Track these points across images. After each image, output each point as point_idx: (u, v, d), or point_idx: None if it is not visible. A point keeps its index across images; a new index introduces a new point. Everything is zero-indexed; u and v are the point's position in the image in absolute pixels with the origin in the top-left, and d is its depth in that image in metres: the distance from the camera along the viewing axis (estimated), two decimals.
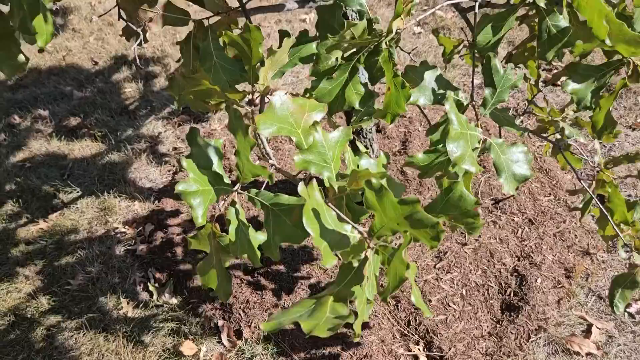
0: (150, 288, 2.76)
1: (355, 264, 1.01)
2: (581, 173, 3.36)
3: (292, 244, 2.63)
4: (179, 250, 2.95)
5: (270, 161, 1.33)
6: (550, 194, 3.18)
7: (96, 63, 4.67)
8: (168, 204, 3.24)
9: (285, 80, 4.34)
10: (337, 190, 1.16)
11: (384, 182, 0.98)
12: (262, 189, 1.29)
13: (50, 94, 4.31)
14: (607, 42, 1.22)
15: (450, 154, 1.16)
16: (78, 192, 3.39)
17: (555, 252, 2.84)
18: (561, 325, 2.56)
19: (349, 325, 2.55)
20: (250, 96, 1.30)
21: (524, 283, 2.68)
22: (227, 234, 1.23)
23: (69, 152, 3.73)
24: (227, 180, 1.16)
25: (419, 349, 2.49)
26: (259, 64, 1.31)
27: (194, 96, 1.30)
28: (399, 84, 1.23)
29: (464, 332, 2.52)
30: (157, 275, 2.85)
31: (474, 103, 1.32)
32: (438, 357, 2.43)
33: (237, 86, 1.58)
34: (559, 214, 3.04)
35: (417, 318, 2.56)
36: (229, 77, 1.45)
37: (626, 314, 2.64)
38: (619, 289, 1.71)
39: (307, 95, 1.32)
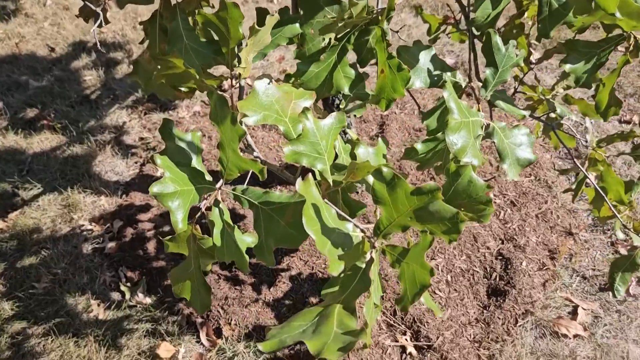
0: (122, 288, 2.61)
1: (362, 265, 0.91)
2: (559, 153, 3.34)
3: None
4: (151, 247, 2.80)
5: (255, 153, 1.21)
6: (530, 174, 3.14)
7: (52, 50, 4.41)
8: (137, 198, 3.08)
9: (253, 64, 4.18)
10: (331, 184, 1.05)
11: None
12: (246, 183, 1.17)
13: (4, 84, 4.04)
14: (618, 14, 1.13)
15: (451, 146, 1.06)
16: (39, 188, 3.19)
17: (539, 233, 2.81)
18: (547, 307, 2.53)
19: None
20: (228, 82, 1.17)
21: (509, 266, 2.64)
22: (209, 235, 1.11)
23: (27, 146, 3.50)
24: (208, 177, 1.04)
25: (406, 339, 2.42)
26: (237, 46, 1.18)
27: (165, 81, 1.16)
28: (395, 65, 1.12)
29: (451, 320, 2.46)
30: (129, 274, 2.70)
31: (472, 85, 1.22)
32: (426, 347, 2.37)
33: (210, 70, 1.45)
34: (541, 195, 3.00)
35: None
36: (201, 61, 1.31)
37: (610, 293, 2.62)
38: (619, 272, 1.66)
39: (292, 80, 1.20)
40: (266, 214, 0.97)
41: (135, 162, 3.37)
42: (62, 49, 4.44)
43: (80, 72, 4.17)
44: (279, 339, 0.84)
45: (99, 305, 2.56)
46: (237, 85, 1.22)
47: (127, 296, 2.59)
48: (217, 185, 1.04)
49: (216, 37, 1.30)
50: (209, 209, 1.08)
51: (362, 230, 0.94)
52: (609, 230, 2.90)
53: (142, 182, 3.20)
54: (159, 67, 1.18)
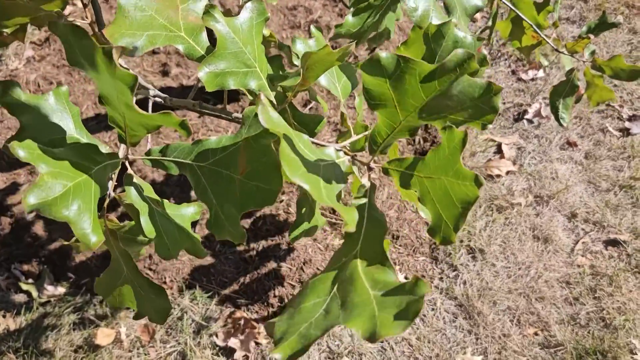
0: (24, 287, 2.20)
1: (363, 201, 0.67)
2: None
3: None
4: (39, 230, 2.36)
5: (151, 92, 0.87)
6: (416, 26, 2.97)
7: None
8: None
9: None
10: (275, 102, 0.77)
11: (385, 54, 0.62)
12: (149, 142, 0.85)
13: None
14: None
15: (411, 14, 0.82)
16: None
17: None
18: (475, 154, 2.51)
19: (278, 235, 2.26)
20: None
21: (428, 125, 2.54)
22: (129, 218, 0.81)
23: None
24: (104, 149, 0.71)
25: None
26: None
27: None
28: None
29: (391, 198, 2.36)
30: (26, 268, 2.27)
31: None
32: None
33: None
34: None
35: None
36: None
37: (525, 121, 2.64)
38: (560, 99, 1.56)
39: None
40: (209, 172, 0.68)
41: None
42: None
43: None
44: (298, 333, 0.60)
45: (4, 316, 2.16)
46: (89, 2, 0.85)
47: (35, 294, 2.19)
48: (121, 155, 0.71)
49: None
50: (118, 188, 0.77)
51: (345, 153, 0.69)
52: (506, 60, 2.88)
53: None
54: None
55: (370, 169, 0.68)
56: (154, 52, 2.88)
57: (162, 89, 2.75)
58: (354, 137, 0.76)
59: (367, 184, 0.67)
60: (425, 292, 0.55)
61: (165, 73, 2.79)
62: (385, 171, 0.68)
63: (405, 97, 0.61)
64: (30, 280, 2.23)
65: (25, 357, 2.04)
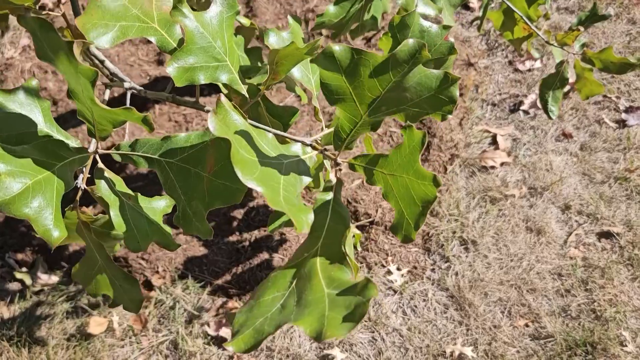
0: (19, 276, 2.21)
1: (328, 197, 0.67)
2: None
3: None
4: None
5: (126, 84, 0.87)
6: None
7: None
8: None
9: None
10: (247, 97, 0.77)
11: (339, 47, 0.61)
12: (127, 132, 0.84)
13: None
14: None
15: None
16: None
17: None
18: (470, 145, 2.49)
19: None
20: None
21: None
22: (104, 214, 0.81)
23: None
24: (74, 143, 0.71)
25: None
26: None
27: None
28: None
29: None
30: (19, 257, 2.29)
31: None
32: (368, 224, 2.27)
33: None
34: None
35: None
36: None
37: (521, 112, 2.63)
38: (549, 91, 1.55)
39: None
40: (177, 169, 0.68)
41: None
42: None
43: None
44: (253, 327, 0.60)
45: None
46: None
47: (28, 282, 2.21)
48: (91, 149, 0.71)
49: None
50: (91, 181, 0.77)
51: (313, 147, 0.69)
52: (503, 50, 2.85)
53: None
54: None
55: (337, 164, 0.68)
56: (148, 41, 2.87)
57: (156, 78, 2.74)
58: (326, 131, 0.75)
59: (334, 180, 0.67)
60: (373, 295, 0.55)
61: (160, 62, 2.78)
62: (352, 167, 0.68)
63: (362, 90, 0.61)
64: (24, 269, 2.25)
65: (19, 344, 2.06)
